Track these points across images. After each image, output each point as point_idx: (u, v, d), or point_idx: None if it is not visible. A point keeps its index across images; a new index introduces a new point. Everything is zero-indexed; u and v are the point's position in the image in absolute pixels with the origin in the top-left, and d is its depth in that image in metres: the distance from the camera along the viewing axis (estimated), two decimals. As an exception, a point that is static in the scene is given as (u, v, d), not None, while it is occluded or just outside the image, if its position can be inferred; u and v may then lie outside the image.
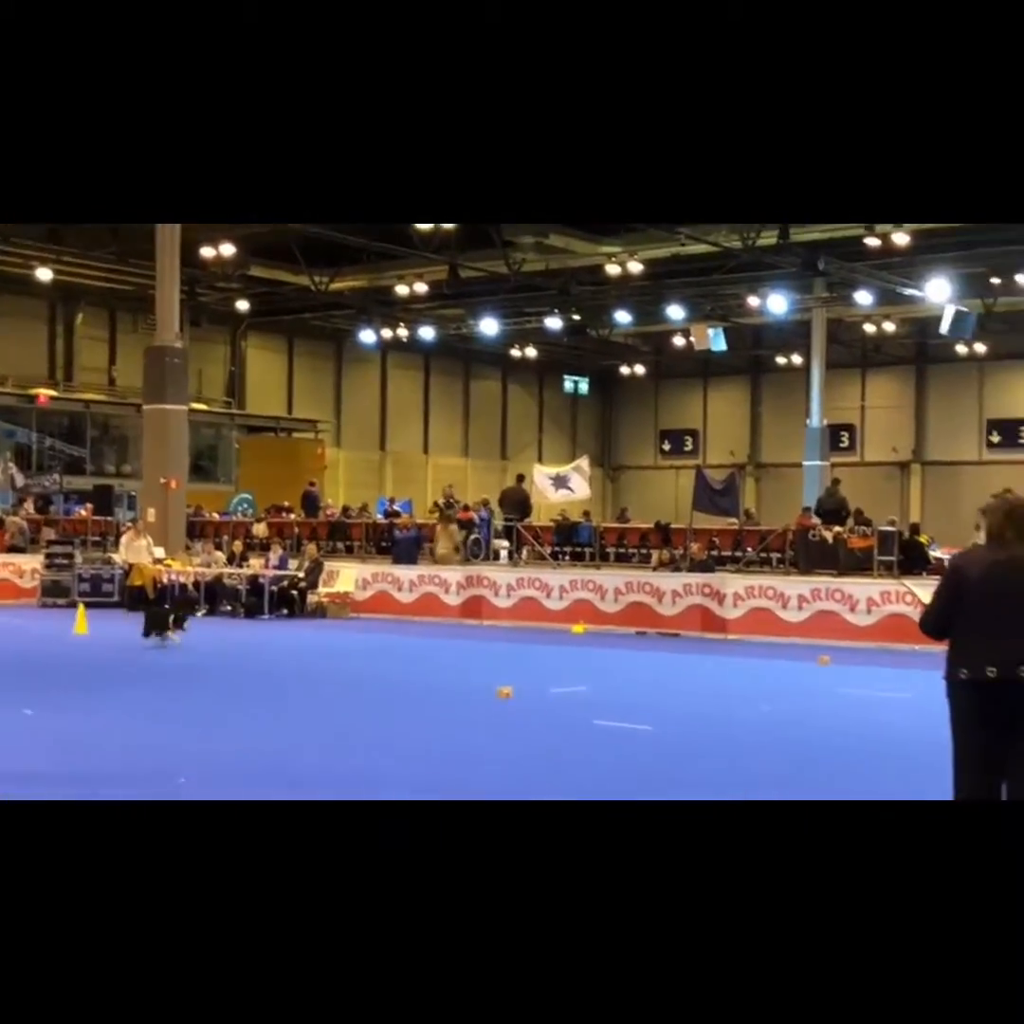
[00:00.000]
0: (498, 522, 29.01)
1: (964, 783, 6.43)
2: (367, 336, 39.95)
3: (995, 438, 42.01)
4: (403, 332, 40.45)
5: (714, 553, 25.48)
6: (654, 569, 24.40)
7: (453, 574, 24.91)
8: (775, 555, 25.55)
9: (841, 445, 42.36)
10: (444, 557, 26.13)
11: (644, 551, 27.49)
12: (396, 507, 31.78)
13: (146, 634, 17.68)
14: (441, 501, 29.14)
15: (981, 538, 6.71)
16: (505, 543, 28.72)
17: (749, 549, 25.97)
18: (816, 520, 25.24)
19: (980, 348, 39.61)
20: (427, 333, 40.13)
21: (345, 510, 33.32)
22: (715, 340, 34.56)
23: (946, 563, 7.14)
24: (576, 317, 38.68)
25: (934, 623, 6.66)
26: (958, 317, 30.92)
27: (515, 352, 43.82)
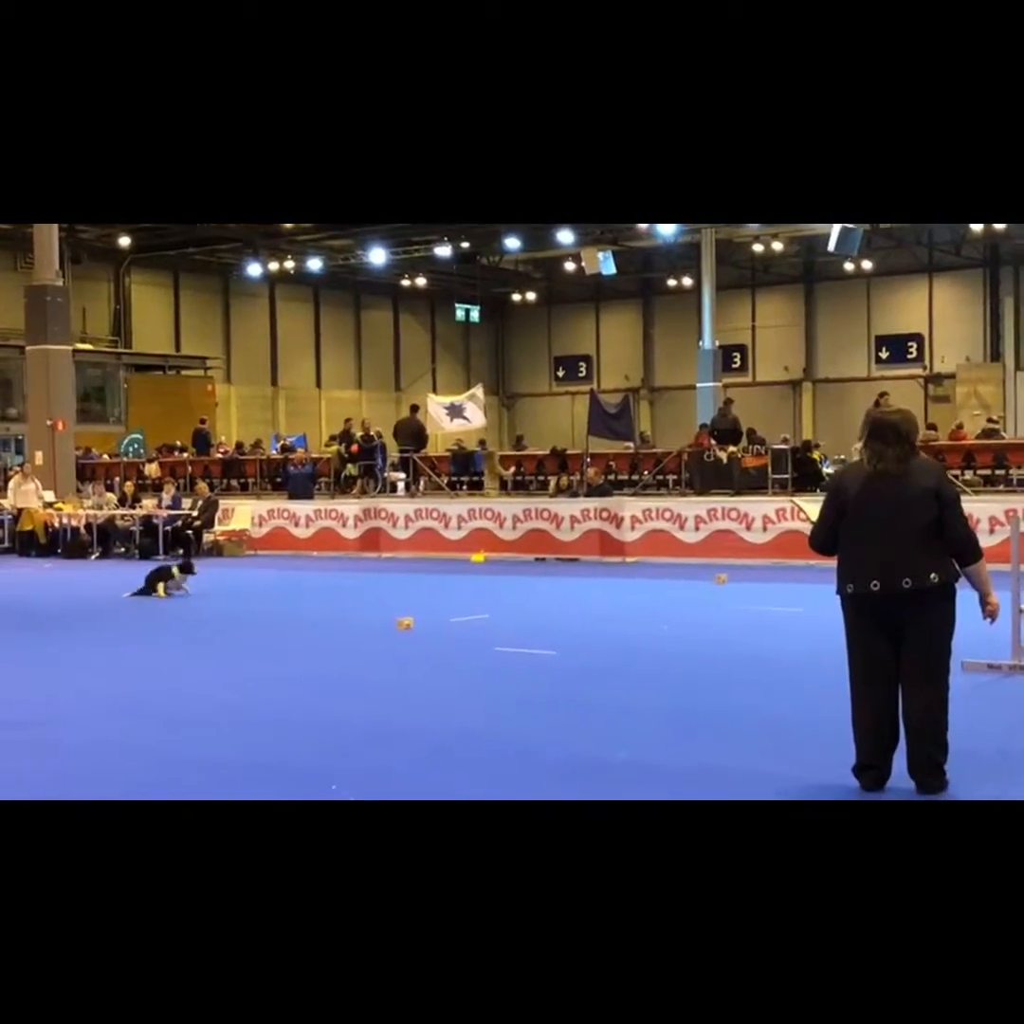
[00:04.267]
0: (394, 454, 28.81)
1: (861, 692, 6.53)
2: (254, 269, 39.27)
3: (883, 354, 42.60)
4: (290, 264, 39.78)
5: (611, 477, 25.59)
6: (552, 495, 24.42)
7: (350, 507, 24.73)
8: (671, 477, 25.74)
9: (733, 366, 42.68)
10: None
11: (541, 478, 27.53)
12: (289, 442, 31.40)
13: (148, 591, 16.87)
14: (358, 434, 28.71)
15: (863, 449, 6.76)
16: (401, 475, 28.56)
17: (645, 472, 26.11)
18: (711, 441, 25.42)
19: (867, 265, 40.00)
20: (315, 265, 39.51)
21: (238, 447, 32.89)
22: (605, 264, 34.48)
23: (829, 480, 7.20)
24: (466, 245, 38.30)
25: (820, 540, 6.74)
26: (845, 235, 31.15)
27: (405, 282, 43.37)
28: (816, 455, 26.58)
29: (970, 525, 6.65)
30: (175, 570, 17.13)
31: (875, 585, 6.38)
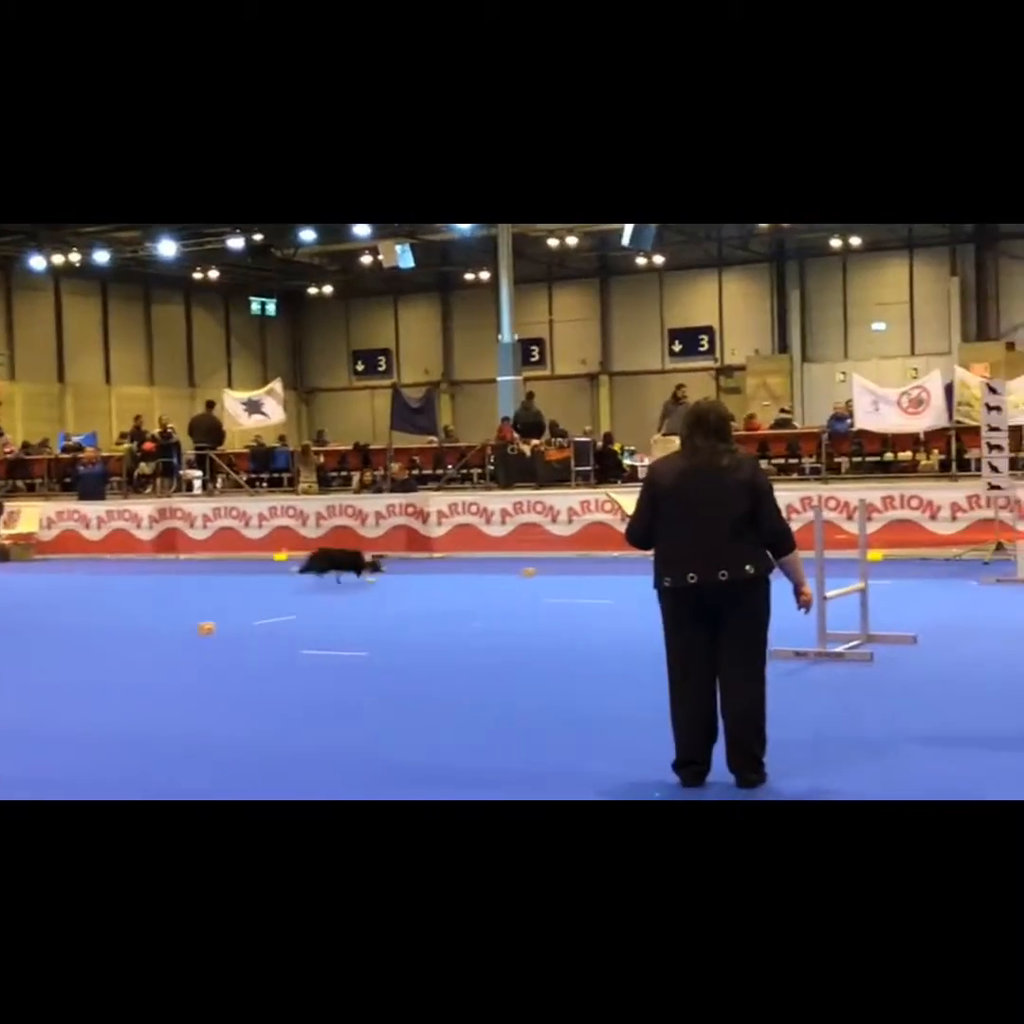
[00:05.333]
0: (189, 451, 28.04)
1: (679, 686, 6.49)
2: (37, 262, 37.73)
3: (676, 347, 43.37)
4: (76, 257, 38.39)
5: (416, 472, 25.40)
6: (356, 492, 24.10)
7: (144, 507, 23.93)
8: (475, 471, 25.68)
9: (532, 359, 42.90)
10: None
11: (344, 474, 27.16)
12: (77, 441, 30.29)
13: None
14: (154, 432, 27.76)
15: (662, 441, 6.75)
16: (198, 473, 27.81)
17: (450, 466, 26.00)
18: (514, 434, 25.45)
19: (659, 260, 40.68)
20: (102, 257, 38.20)
21: (24, 446, 31.60)
22: (403, 257, 34.22)
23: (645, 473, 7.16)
24: (259, 237, 37.54)
25: (637, 534, 6.68)
26: (638, 230, 31.57)
27: (197, 275, 42.28)
28: (617, 446, 26.90)
29: (784, 516, 6.68)
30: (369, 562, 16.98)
31: (692, 577, 6.35)
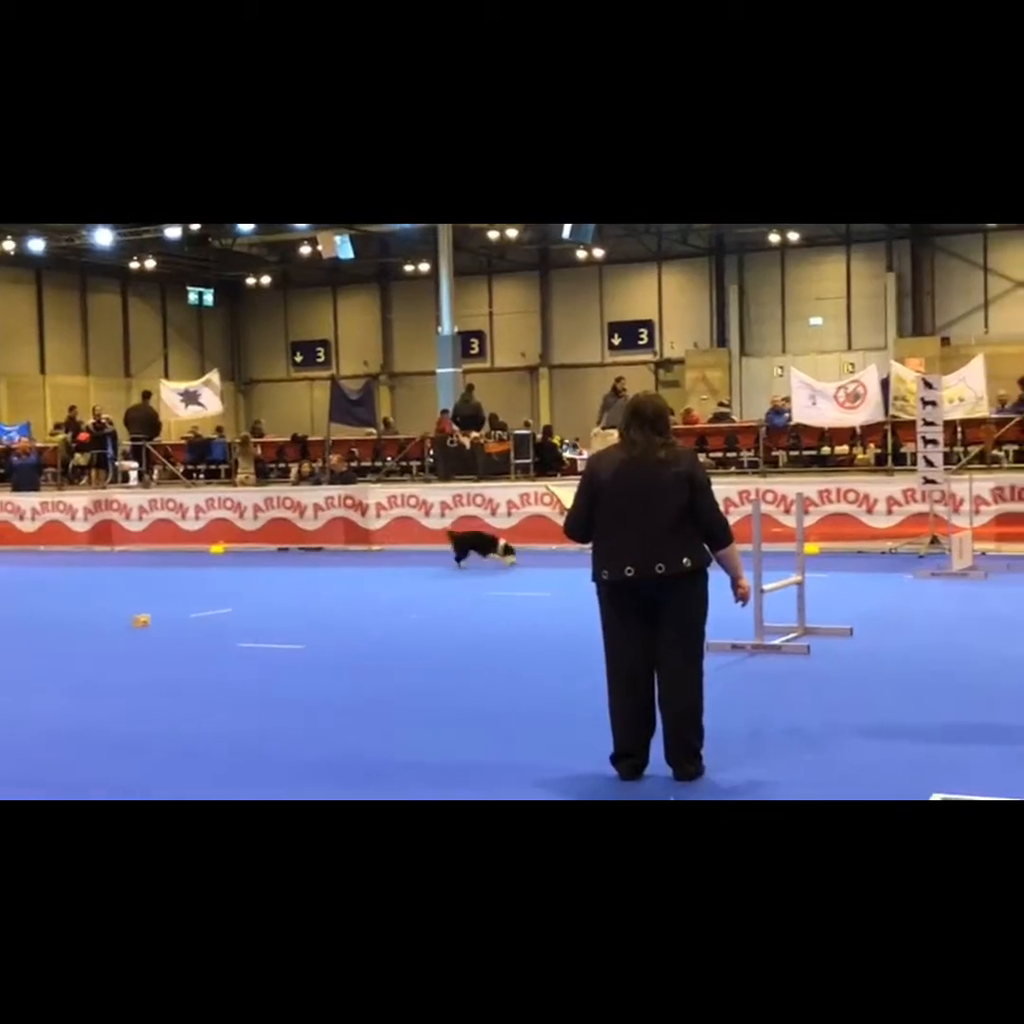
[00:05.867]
0: (125, 442, 27.73)
1: (617, 679, 6.49)
2: (-32, 249, 37.14)
3: (616, 340, 43.47)
4: (9, 245, 37.83)
5: (354, 464, 25.26)
6: (294, 483, 23.93)
7: (79, 499, 23.63)
8: (415, 463, 25.60)
9: (472, 352, 42.81)
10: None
11: (282, 465, 26.97)
12: (11, 432, 29.85)
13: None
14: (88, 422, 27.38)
15: (601, 434, 6.75)
16: (134, 464, 27.52)
17: (389, 458, 25.90)
18: (454, 426, 25.39)
19: (599, 253, 40.75)
20: (37, 246, 37.67)
21: (-44, 437, 31.08)
22: (342, 248, 34.03)
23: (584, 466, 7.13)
24: (196, 227, 37.18)
25: (575, 527, 6.66)
26: (577, 223, 31.61)
27: (134, 264, 41.79)
28: (557, 439, 26.91)
29: (721, 510, 6.69)
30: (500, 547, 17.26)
31: (630, 571, 6.34)
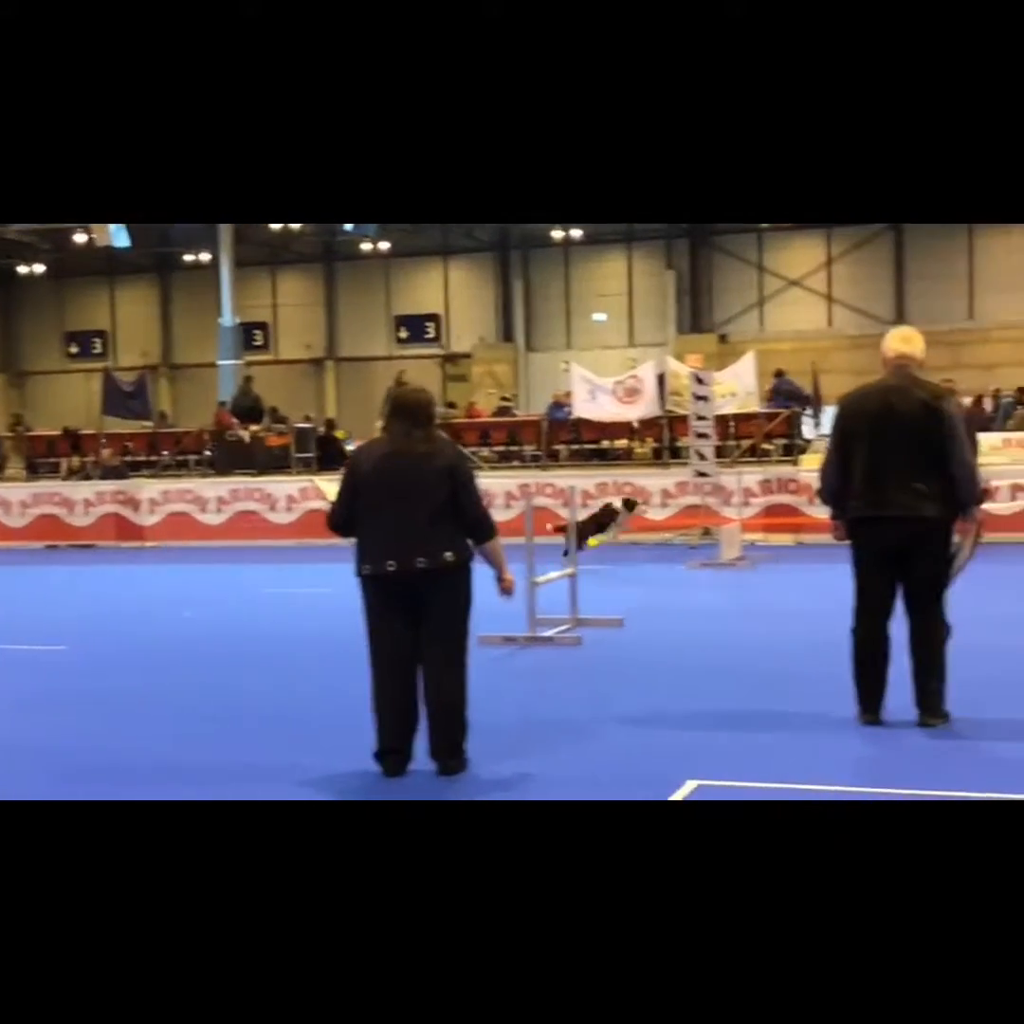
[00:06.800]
0: None
1: (382, 675, 6.41)
2: None
3: (403, 333, 43.38)
4: None
5: (128, 458, 24.52)
6: (64, 479, 23.10)
7: None
8: (192, 457, 24.98)
9: (255, 343, 42.10)
10: None
11: (53, 460, 26.01)
12: None
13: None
14: None
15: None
16: None
17: (165, 452, 25.22)
18: (233, 420, 24.89)
19: (384, 246, 40.59)
20: None
21: None
22: (117, 236, 33.01)
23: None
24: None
25: (338, 520, 6.57)
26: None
27: None
28: (340, 433, 26.65)
29: (484, 504, 6.67)
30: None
31: (391, 565, 6.27)
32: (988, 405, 26.40)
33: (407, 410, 6.41)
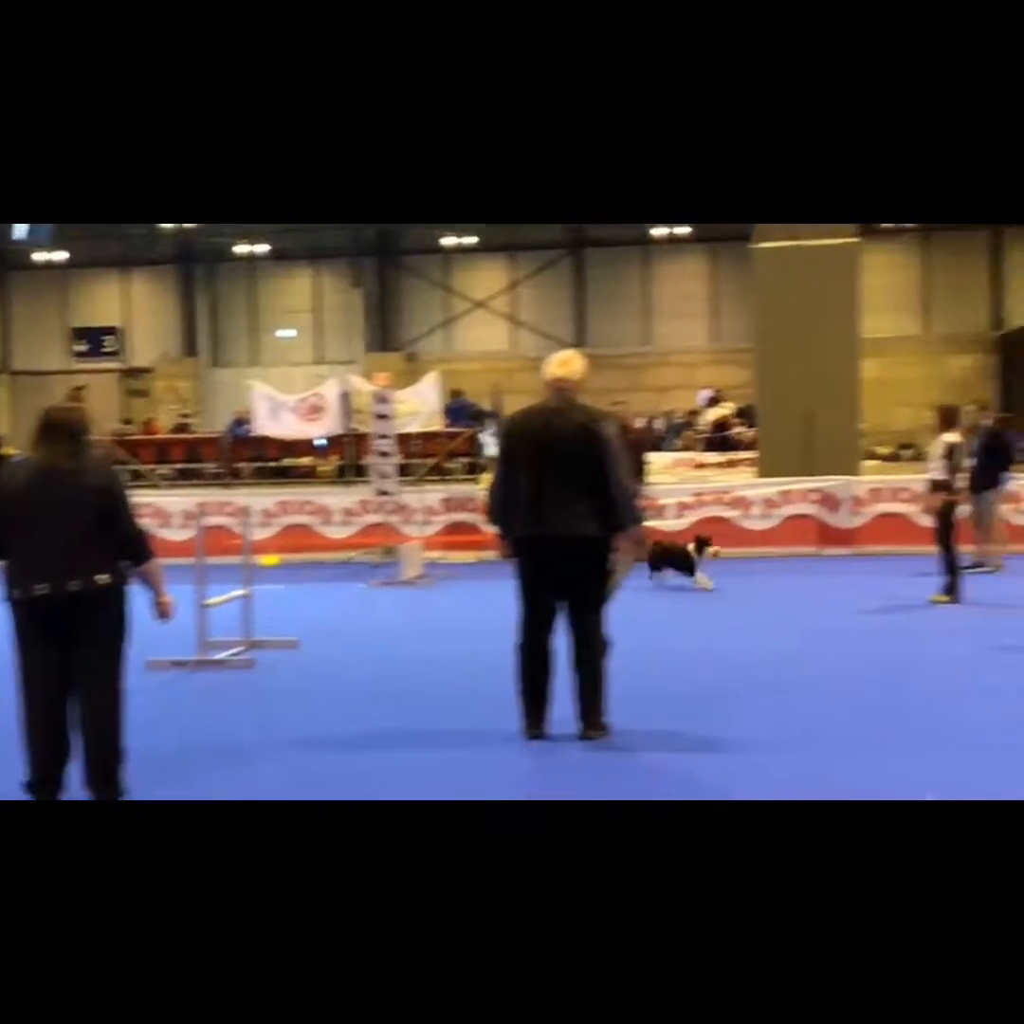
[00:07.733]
0: None
1: (33, 703, 6.13)
2: None
3: (80, 347, 41.88)
4: None
5: None
6: None
7: None
8: None
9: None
10: None
11: None
12: None
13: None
14: None
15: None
16: None
17: None
18: None
19: (60, 256, 39.12)
20: None
21: None
22: None
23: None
24: None
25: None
26: (35, 224, 30.07)
27: None
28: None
29: (140, 524, 6.46)
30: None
31: (41, 588, 6.00)
32: (661, 425, 27.64)
33: (57, 428, 6.15)
